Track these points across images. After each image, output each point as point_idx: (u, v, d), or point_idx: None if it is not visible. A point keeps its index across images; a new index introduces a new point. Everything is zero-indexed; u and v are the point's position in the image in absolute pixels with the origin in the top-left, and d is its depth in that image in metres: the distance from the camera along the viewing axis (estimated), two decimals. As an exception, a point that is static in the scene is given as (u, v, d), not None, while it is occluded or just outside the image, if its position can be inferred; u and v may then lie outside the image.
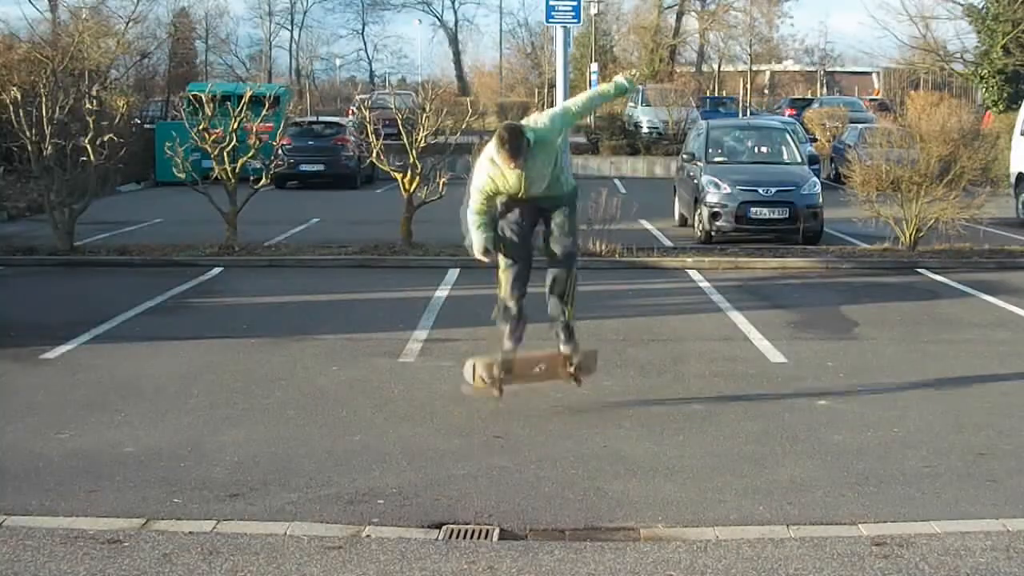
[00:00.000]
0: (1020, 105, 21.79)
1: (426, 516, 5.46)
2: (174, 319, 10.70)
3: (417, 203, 14.97)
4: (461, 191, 15.87)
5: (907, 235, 14.51)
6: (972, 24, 34.36)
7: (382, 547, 5.04)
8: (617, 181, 26.48)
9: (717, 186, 15.67)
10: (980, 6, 33.85)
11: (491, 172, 7.23)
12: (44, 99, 14.20)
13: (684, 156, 18.03)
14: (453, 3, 70.03)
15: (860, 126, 25.89)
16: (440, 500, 5.68)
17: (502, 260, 7.62)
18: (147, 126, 27.96)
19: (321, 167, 25.79)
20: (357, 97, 24.36)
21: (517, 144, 7.06)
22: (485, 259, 7.50)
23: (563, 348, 7.55)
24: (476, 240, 7.40)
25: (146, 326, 10.25)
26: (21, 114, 14.12)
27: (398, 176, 15.08)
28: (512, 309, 7.60)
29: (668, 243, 15.69)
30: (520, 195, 7.34)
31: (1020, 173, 19.21)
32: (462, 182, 15.54)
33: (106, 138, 14.48)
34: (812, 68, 58.38)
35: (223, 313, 11.09)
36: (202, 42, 51.48)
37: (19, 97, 14.30)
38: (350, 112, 30.87)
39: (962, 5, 34.47)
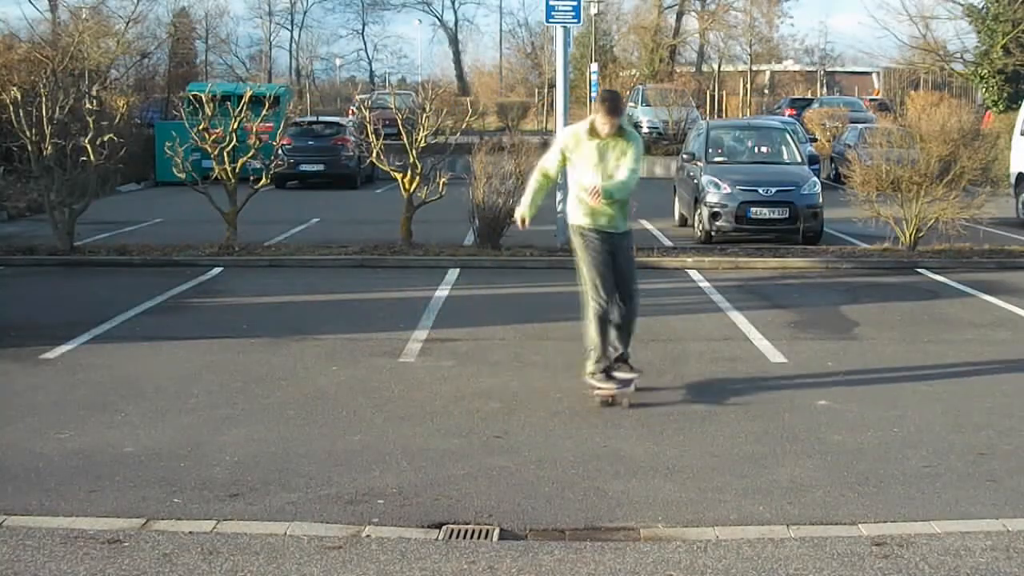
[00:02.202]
0: (1020, 105, 21.79)
1: (426, 516, 5.46)
2: (174, 319, 10.70)
3: (417, 203, 14.97)
4: (461, 191, 15.91)
5: (907, 235, 14.51)
6: (972, 24, 34.36)
7: (382, 547, 5.04)
8: (617, 181, 26.45)
9: (717, 186, 15.67)
10: (980, 6, 33.85)
11: (568, 140, 7.71)
12: (44, 99, 14.20)
13: (684, 156, 18.03)
14: (453, 3, 70.20)
15: (860, 126, 25.88)
16: (440, 500, 5.68)
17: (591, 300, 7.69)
18: (147, 128, 27.96)
19: (321, 167, 25.80)
20: (357, 97, 24.35)
21: (616, 101, 7.61)
22: (521, 223, 7.92)
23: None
24: (524, 206, 7.84)
25: (146, 326, 10.25)
26: (21, 114, 14.13)
27: (398, 176, 15.08)
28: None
29: (668, 243, 15.69)
30: (590, 186, 7.49)
31: (1020, 173, 19.20)
32: (462, 182, 15.65)
33: (106, 138, 14.49)
34: (812, 68, 58.33)
35: (223, 313, 11.08)
36: (202, 42, 51.46)
37: (19, 97, 14.30)
38: (350, 112, 30.88)
39: (962, 5, 34.47)
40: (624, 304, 7.69)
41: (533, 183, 7.89)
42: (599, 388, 7.57)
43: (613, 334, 7.67)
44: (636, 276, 7.95)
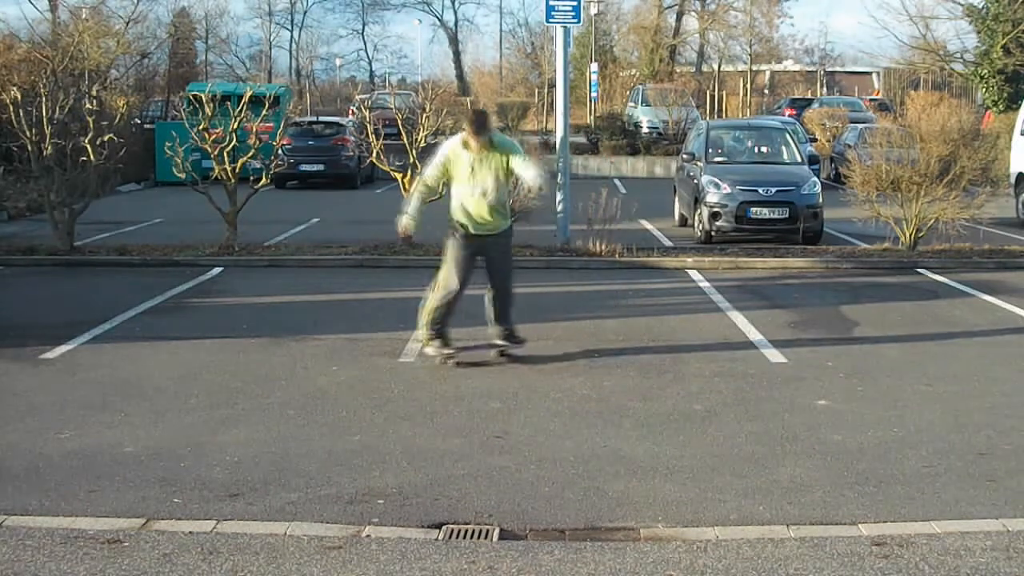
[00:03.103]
0: (1020, 105, 21.80)
1: (426, 516, 5.46)
2: (174, 319, 10.70)
3: (417, 203, 14.95)
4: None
5: (907, 235, 14.51)
6: (972, 24, 34.40)
7: (382, 547, 5.04)
8: (617, 181, 26.50)
9: (717, 186, 15.66)
10: (980, 6, 33.88)
11: (448, 154, 8.48)
12: (44, 99, 14.20)
13: (684, 156, 18.02)
14: (453, 3, 70.12)
15: (860, 126, 25.89)
16: (440, 500, 5.69)
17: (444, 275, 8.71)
18: (147, 126, 27.96)
19: (321, 167, 25.81)
20: (357, 97, 24.33)
21: (482, 121, 8.38)
22: (402, 236, 8.76)
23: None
24: (408, 216, 8.62)
25: (146, 326, 10.25)
26: (21, 114, 14.12)
27: (398, 176, 15.08)
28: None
29: (668, 243, 15.69)
30: (468, 197, 8.42)
31: (1020, 173, 19.22)
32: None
33: (106, 138, 14.49)
34: (812, 68, 58.35)
35: (223, 313, 11.08)
36: (202, 42, 51.46)
37: (19, 97, 14.30)
38: (350, 112, 30.88)
39: (962, 5, 34.50)
40: (499, 295, 8.74)
41: (416, 195, 8.75)
42: (435, 351, 8.65)
43: (492, 315, 8.78)
44: (512, 269, 8.92)
